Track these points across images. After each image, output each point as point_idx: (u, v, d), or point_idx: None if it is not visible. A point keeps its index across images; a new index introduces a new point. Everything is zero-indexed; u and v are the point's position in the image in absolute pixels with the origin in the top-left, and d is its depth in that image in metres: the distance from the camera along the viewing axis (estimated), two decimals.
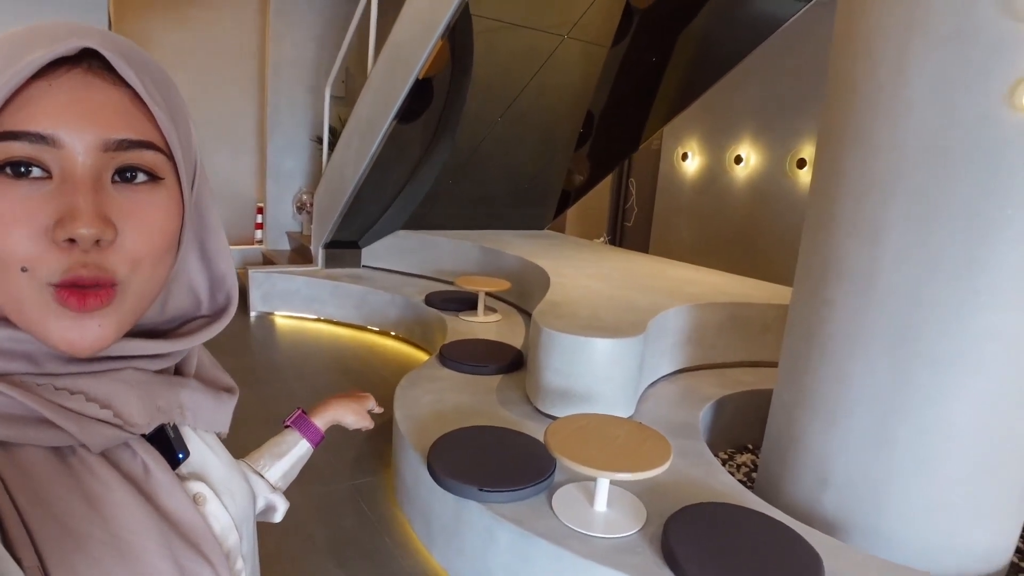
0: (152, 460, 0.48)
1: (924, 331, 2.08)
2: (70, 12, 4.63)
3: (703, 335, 3.55)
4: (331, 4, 6.43)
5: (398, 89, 4.30)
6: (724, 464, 3.15)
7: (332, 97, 5.89)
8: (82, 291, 0.40)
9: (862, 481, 2.28)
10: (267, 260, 6.41)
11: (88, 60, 0.41)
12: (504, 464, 2.27)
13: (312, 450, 0.92)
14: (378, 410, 1.07)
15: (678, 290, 3.78)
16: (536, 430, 2.60)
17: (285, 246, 6.85)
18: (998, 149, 1.86)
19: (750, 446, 3.35)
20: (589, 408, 2.72)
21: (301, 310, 5.40)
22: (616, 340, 2.74)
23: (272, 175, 6.70)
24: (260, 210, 6.91)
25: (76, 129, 0.40)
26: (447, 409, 2.88)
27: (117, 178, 0.42)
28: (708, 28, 4.93)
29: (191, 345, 0.51)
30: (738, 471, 3.11)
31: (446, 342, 3.72)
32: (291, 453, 0.89)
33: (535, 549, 1.98)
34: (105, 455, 0.46)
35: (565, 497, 2.17)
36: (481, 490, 2.10)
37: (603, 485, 2.10)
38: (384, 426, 3.42)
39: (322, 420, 0.94)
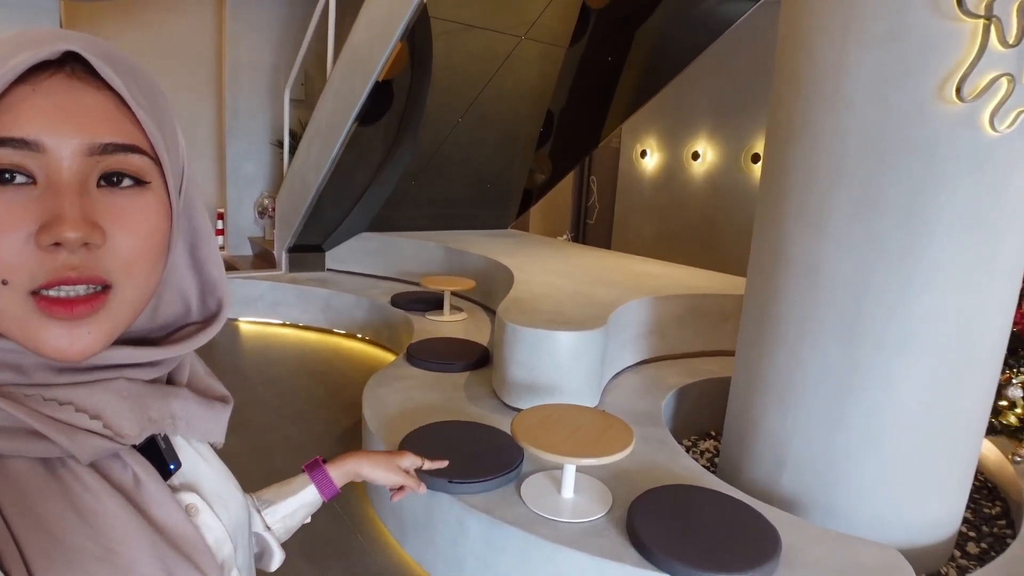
0: (143, 471, 0.47)
1: (870, 315, 2.19)
2: (19, 15, 4.53)
3: (664, 326, 3.65)
4: (288, 6, 6.39)
5: (357, 92, 4.31)
6: (688, 451, 3.24)
7: (292, 100, 5.87)
8: (70, 300, 0.40)
9: (817, 460, 2.39)
10: (229, 266, 6.34)
11: (71, 64, 0.41)
12: (473, 456, 2.32)
13: (322, 502, 0.85)
14: (434, 465, 0.98)
15: (639, 284, 3.87)
16: (503, 423, 2.65)
17: (248, 251, 6.79)
18: (931, 141, 1.98)
19: (713, 433, 3.45)
20: (554, 400, 2.78)
21: (266, 315, 5.37)
22: (578, 333, 2.81)
23: (232, 180, 6.63)
24: (221, 216, 6.83)
25: (60, 134, 0.39)
26: (415, 407, 2.91)
27: (103, 183, 0.42)
28: (662, 27, 5.04)
29: (182, 352, 0.50)
30: (702, 457, 3.21)
31: (413, 341, 3.75)
32: (296, 496, 0.82)
33: (505, 536, 2.03)
34: (95, 466, 0.45)
35: (533, 486, 2.23)
36: (451, 482, 2.15)
37: (569, 472, 2.16)
38: (354, 427, 3.44)
39: (339, 472, 0.86)
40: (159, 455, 0.50)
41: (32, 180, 0.39)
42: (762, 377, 2.55)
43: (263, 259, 6.25)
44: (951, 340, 2.14)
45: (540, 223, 8.27)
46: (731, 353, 3.58)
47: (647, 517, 1.98)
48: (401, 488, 0.93)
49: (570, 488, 2.17)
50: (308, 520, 0.85)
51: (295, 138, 5.72)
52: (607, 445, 2.08)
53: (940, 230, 2.02)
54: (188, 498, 0.52)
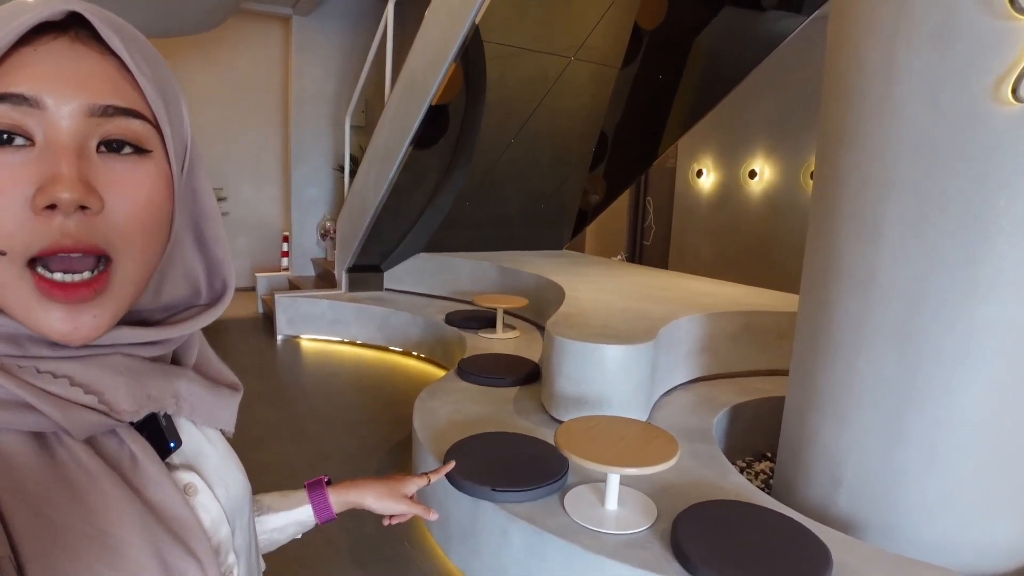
0: (140, 449, 0.46)
1: (928, 326, 2.10)
2: None
3: (718, 344, 3.58)
4: (350, 38, 6.69)
5: (413, 116, 4.46)
6: (742, 472, 3.15)
7: (352, 127, 6.11)
8: (72, 285, 0.39)
9: (875, 479, 2.29)
10: (293, 286, 6.59)
11: (76, 29, 0.41)
12: (518, 466, 2.33)
13: (315, 524, 0.81)
14: (439, 474, 0.97)
15: (692, 301, 3.82)
16: (550, 436, 2.65)
17: (310, 272, 7.04)
18: (986, 143, 1.91)
19: (768, 454, 3.34)
20: (602, 414, 2.77)
21: (326, 333, 5.55)
22: (626, 347, 2.80)
23: (296, 204, 6.92)
24: (286, 238, 7.12)
25: (61, 93, 0.39)
26: (464, 419, 2.95)
27: (103, 148, 0.41)
28: (714, 44, 5.03)
29: (184, 332, 0.49)
30: (756, 478, 3.12)
31: (464, 357, 3.80)
32: (290, 512, 0.79)
33: (547, 546, 2.03)
34: (91, 443, 0.44)
35: (577, 497, 2.22)
36: (495, 490, 2.16)
37: (613, 483, 2.14)
38: (405, 440, 3.50)
39: (340, 499, 0.83)
40: (159, 433, 0.49)
41: (30, 142, 0.39)
42: (816, 392, 2.47)
43: (324, 279, 6.47)
44: (1016, 349, 2.04)
45: (596, 245, 8.26)
46: (787, 372, 3.47)
47: (692, 531, 1.94)
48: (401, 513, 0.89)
49: (614, 500, 2.15)
50: (298, 537, 0.82)
51: (355, 163, 5.94)
52: (651, 456, 2.06)
53: (1000, 236, 1.94)
54: (187, 477, 0.51)
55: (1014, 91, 1.83)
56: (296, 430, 3.62)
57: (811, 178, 5.60)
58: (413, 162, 4.81)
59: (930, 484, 2.19)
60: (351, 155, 6.15)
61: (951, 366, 2.09)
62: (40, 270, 0.39)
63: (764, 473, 3.16)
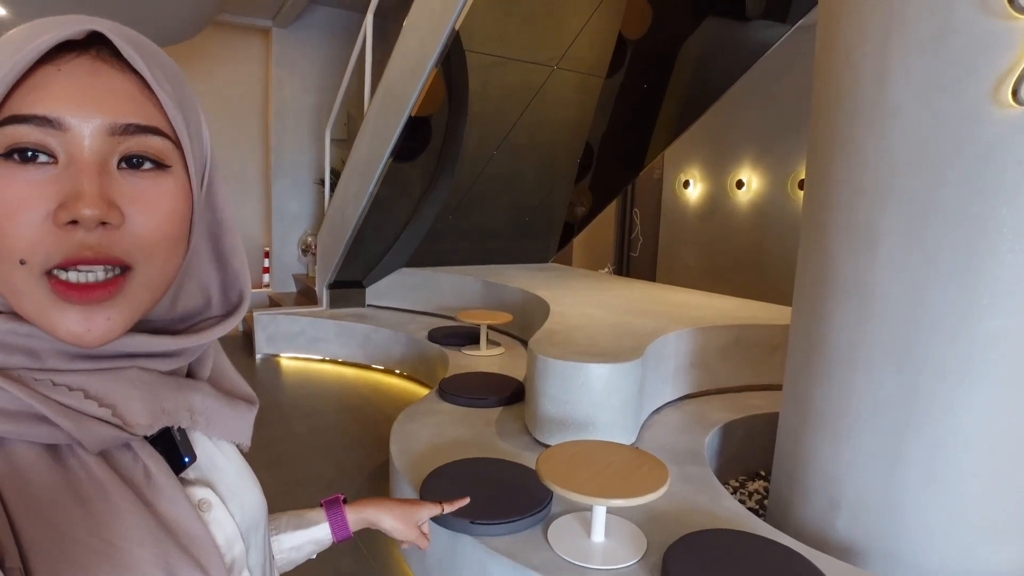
0: (154, 464, 0.45)
1: (928, 340, 2.00)
2: None
3: (708, 359, 3.47)
4: (331, 50, 6.59)
5: (392, 127, 4.35)
6: (735, 492, 3.04)
7: (333, 140, 5.99)
8: (85, 286, 0.39)
9: (875, 501, 2.17)
10: (274, 303, 6.44)
11: (97, 47, 0.41)
12: (498, 496, 2.19)
13: (332, 542, 0.81)
14: (454, 507, 0.96)
15: (681, 314, 3.71)
16: (534, 460, 2.52)
17: (292, 288, 6.89)
18: (986, 148, 1.81)
19: (762, 473, 3.23)
20: (588, 436, 2.64)
21: (306, 351, 5.39)
22: (612, 365, 2.67)
23: (278, 218, 6.78)
24: (267, 254, 6.98)
25: (82, 113, 0.39)
26: (445, 443, 2.81)
27: (124, 165, 0.41)
28: (699, 54, 4.96)
29: (200, 343, 0.49)
30: (750, 499, 2.99)
31: (445, 376, 3.66)
32: (307, 531, 0.79)
33: None
34: (105, 457, 0.43)
35: (561, 528, 2.09)
36: (473, 523, 2.02)
37: (599, 514, 2.01)
38: (386, 463, 3.35)
39: (357, 517, 0.83)
40: (173, 447, 0.48)
41: (54, 159, 0.39)
42: (812, 410, 2.36)
43: (306, 296, 6.32)
44: (1021, 364, 1.93)
45: (583, 257, 8.16)
46: (780, 387, 3.37)
47: (684, 565, 1.82)
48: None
49: (601, 532, 2.02)
50: (314, 556, 0.81)
51: (336, 176, 5.82)
52: (639, 484, 1.93)
53: (1003, 245, 1.83)
54: (201, 493, 0.50)
55: (1014, 93, 1.73)
56: (272, 455, 3.46)
57: (799, 187, 5.53)
58: (394, 175, 4.69)
59: (932, 507, 2.08)
60: (332, 169, 6.03)
61: (952, 383, 1.98)
62: (55, 272, 0.39)
63: (758, 493, 3.04)
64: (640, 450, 2.19)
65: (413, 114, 4.25)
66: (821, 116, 2.29)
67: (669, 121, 5.46)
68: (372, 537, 2.66)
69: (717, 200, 6.34)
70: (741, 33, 4.78)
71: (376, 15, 4.86)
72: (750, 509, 2.84)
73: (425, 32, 4.04)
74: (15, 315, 0.42)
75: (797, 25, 4.59)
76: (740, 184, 6.05)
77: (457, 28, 3.78)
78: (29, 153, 0.39)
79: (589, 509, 2.10)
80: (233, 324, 0.51)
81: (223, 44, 6.58)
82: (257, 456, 3.64)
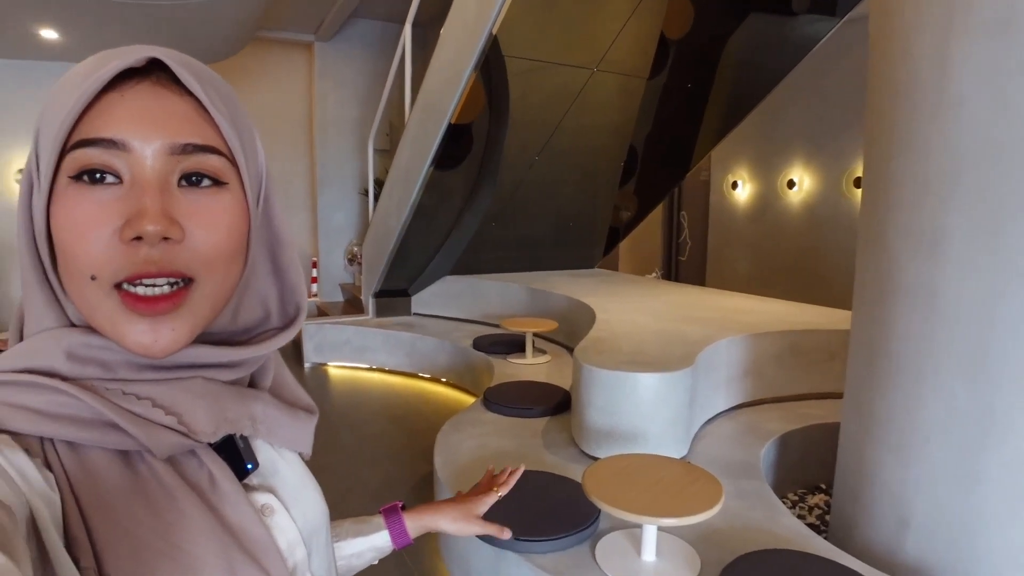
0: (218, 470, 0.47)
1: (1004, 349, 1.85)
2: None
3: (762, 367, 3.33)
4: (372, 62, 6.66)
5: (432, 136, 4.34)
6: (794, 507, 2.90)
7: (376, 150, 6.04)
8: (151, 298, 0.42)
9: (948, 521, 2.03)
10: (321, 312, 6.52)
11: (156, 73, 0.44)
12: (544, 511, 2.13)
13: (392, 549, 0.82)
14: (506, 488, 0.94)
15: (732, 320, 3.58)
16: (580, 474, 2.45)
17: (339, 298, 6.97)
18: None
19: (823, 486, 3.07)
20: (637, 448, 2.56)
21: (353, 360, 5.43)
22: (662, 374, 2.58)
23: (324, 230, 6.88)
24: (314, 264, 7.08)
25: (144, 135, 0.42)
26: (489, 454, 2.76)
27: (184, 183, 0.44)
28: (744, 52, 4.82)
29: (260, 353, 0.51)
30: (810, 514, 2.85)
31: (491, 385, 3.62)
32: (367, 538, 0.80)
33: None
34: (172, 463, 0.46)
35: (610, 546, 2.01)
36: (517, 539, 1.97)
37: (650, 532, 1.93)
38: (430, 474, 3.32)
39: (416, 524, 0.84)
40: (236, 454, 0.50)
41: (119, 180, 0.42)
42: (876, 422, 2.22)
43: (353, 305, 6.39)
44: None
45: (630, 262, 8.03)
46: (839, 395, 3.20)
47: None
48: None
49: (651, 551, 1.93)
50: (375, 563, 0.82)
51: (380, 186, 5.87)
52: (691, 502, 1.84)
53: None
54: (263, 498, 0.52)
55: None
56: (318, 465, 3.43)
57: (855, 185, 5.31)
58: (435, 183, 4.69)
59: (1014, 528, 1.92)
60: (376, 179, 6.08)
61: None
62: (124, 287, 0.42)
63: (819, 508, 2.89)
64: (692, 464, 2.10)
65: (453, 121, 4.23)
66: (877, 110, 2.17)
67: (715, 121, 5.32)
68: (418, 551, 2.63)
69: (767, 201, 6.14)
70: (787, 28, 4.62)
71: (415, 25, 4.88)
72: (810, 525, 2.71)
73: (461, 39, 4.03)
74: (89, 329, 0.45)
75: (846, 17, 4.40)
76: (791, 184, 5.84)
77: (494, 32, 3.75)
78: (97, 175, 0.42)
79: (639, 525, 2.02)
80: (291, 336, 0.53)
81: (267, 60, 6.72)
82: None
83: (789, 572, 1.80)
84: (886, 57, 2.10)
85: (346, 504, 3.04)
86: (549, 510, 2.14)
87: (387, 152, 6.65)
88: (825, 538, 2.46)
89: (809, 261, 5.72)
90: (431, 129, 4.37)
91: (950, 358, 1.96)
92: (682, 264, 7.36)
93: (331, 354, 5.48)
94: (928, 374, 2.02)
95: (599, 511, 2.11)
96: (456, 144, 4.55)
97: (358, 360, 5.42)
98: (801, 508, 2.90)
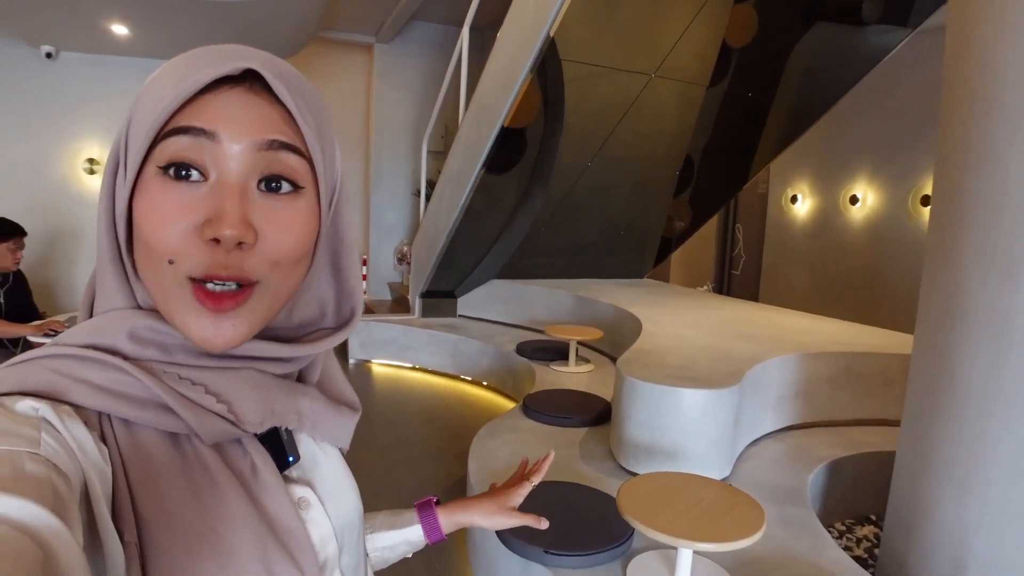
0: (261, 460, 0.49)
1: None
2: None
3: (814, 388, 3.19)
4: (430, 64, 6.71)
5: (485, 139, 4.34)
6: (841, 536, 2.76)
7: (430, 152, 6.08)
8: (218, 295, 0.43)
9: (1010, 567, 1.88)
10: (369, 309, 6.60)
11: (250, 80, 0.45)
12: (577, 525, 2.08)
13: (425, 544, 0.83)
14: (541, 473, 0.94)
15: (785, 339, 3.45)
16: (616, 489, 2.38)
17: (387, 296, 7.04)
18: None
19: (873, 517, 2.92)
20: (677, 466, 2.47)
21: (398, 358, 5.47)
22: (707, 391, 2.49)
23: (375, 228, 6.96)
24: (365, 262, 7.18)
25: (233, 129, 0.44)
26: (522, 461, 2.71)
27: (263, 187, 0.46)
28: (809, 62, 4.65)
29: (312, 352, 0.52)
30: (857, 546, 2.71)
31: (531, 392, 3.58)
32: (400, 531, 0.81)
33: None
34: (217, 449, 0.47)
35: (643, 566, 1.94)
36: (547, 552, 1.92)
37: (685, 556, 1.85)
38: (463, 479, 3.30)
39: (450, 520, 0.85)
40: (280, 446, 0.51)
41: (203, 177, 0.44)
42: (936, 456, 2.09)
43: (400, 304, 6.44)
44: None
45: (681, 274, 7.87)
46: (896, 423, 3.04)
47: None
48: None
49: (686, 575, 1.86)
50: (409, 556, 0.83)
51: (432, 187, 5.91)
52: (730, 528, 1.76)
53: None
54: (301, 491, 0.53)
55: None
56: (352, 461, 3.44)
57: (922, 204, 5.06)
58: (486, 186, 4.68)
59: None
60: (428, 180, 6.12)
61: None
62: (196, 283, 0.44)
63: (868, 540, 2.75)
64: (733, 487, 2.01)
65: (506, 124, 4.21)
66: (951, 124, 2.04)
67: (775, 132, 5.16)
68: (446, 555, 2.61)
69: (828, 216, 5.91)
70: (855, 38, 4.44)
71: (474, 29, 4.89)
72: (857, 558, 2.57)
73: (518, 41, 4.01)
74: (153, 312, 0.47)
75: (918, 29, 4.20)
76: (854, 199, 5.61)
77: (552, 34, 3.71)
78: (183, 172, 0.43)
79: (674, 547, 1.94)
80: (344, 337, 0.55)
81: (329, 59, 6.86)
82: None
83: None
84: (963, 68, 1.98)
85: (377, 504, 3.03)
86: (582, 524, 2.08)
87: (440, 154, 6.69)
88: (872, 573, 2.33)
89: (869, 281, 5.48)
90: (484, 131, 4.36)
91: (1021, 394, 1.82)
92: (735, 278, 7.17)
93: (376, 351, 5.53)
94: (996, 409, 1.89)
95: (633, 529, 2.04)
96: (508, 147, 4.53)
97: (402, 359, 5.45)
98: (848, 539, 2.76)
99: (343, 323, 0.56)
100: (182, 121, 0.43)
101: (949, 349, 2.03)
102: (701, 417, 2.50)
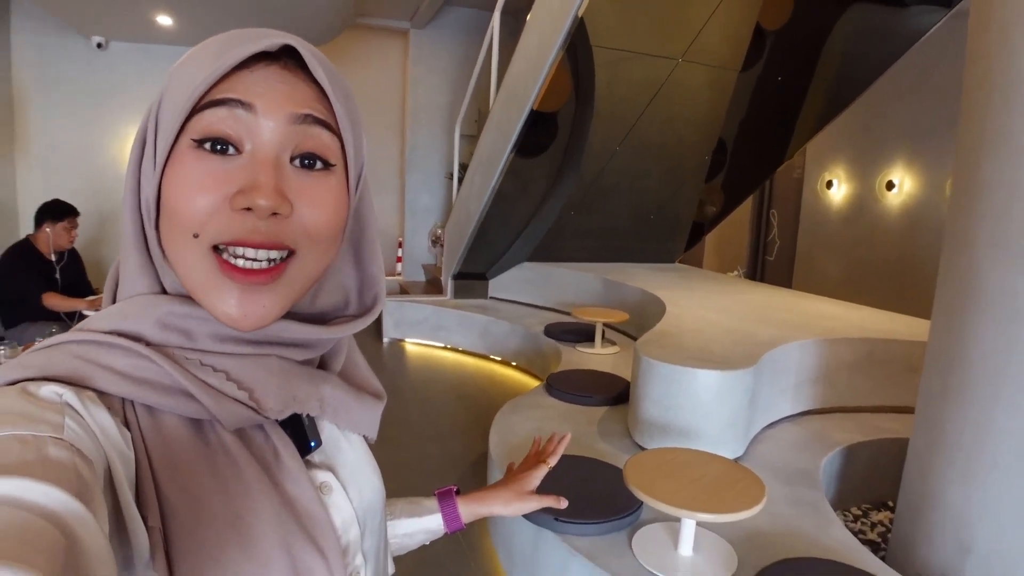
0: (283, 446, 0.49)
1: None
2: None
3: (834, 374, 3.20)
4: (464, 49, 6.78)
5: (514, 121, 4.40)
6: (856, 521, 2.79)
7: (463, 136, 6.17)
8: (250, 270, 0.44)
9: (1012, 551, 1.90)
10: (403, 290, 6.75)
11: (285, 58, 0.46)
12: (588, 496, 2.16)
13: (445, 533, 0.84)
14: (557, 454, 0.94)
15: (809, 324, 3.46)
16: None
17: (421, 277, 7.19)
18: None
19: (890, 503, 2.93)
20: (690, 445, 2.53)
21: (430, 338, 5.61)
22: (721, 372, 2.54)
23: (410, 211, 7.10)
24: (400, 244, 7.33)
25: (269, 101, 0.44)
26: (542, 437, 2.81)
27: (296, 163, 0.46)
28: (844, 43, 4.57)
29: (335, 336, 0.52)
30: (872, 530, 2.74)
31: (554, 371, 3.66)
32: (420, 520, 0.82)
33: None
34: (239, 435, 0.47)
35: (648, 536, 2.02)
36: (558, 520, 2.01)
37: (688, 526, 1.92)
38: (488, 453, 3.41)
39: (470, 509, 0.86)
40: (301, 431, 0.52)
41: (238, 151, 0.44)
42: (944, 441, 2.11)
43: (433, 285, 6.57)
44: None
45: (714, 258, 7.83)
46: None
47: None
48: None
49: (688, 545, 1.93)
50: (426, 543, 0.84)
51: (465, 170, 6.00)
52: (731, 501, 1.82)
53: None
54: (322, 476, 0.53)
55: None
56: (384, 437, 3.60)
57: None
58: (516, 169, 4.75)
59: None
60: (461, 163, 6.21)
61: None
62: (224, 253, 0.44)
63: (882, 525, 2.77)
64: (738, 464, 2.07)
65: (535, 107, 4.27)
66: (971, 107, 2.04)
67: (810, 115, 5.09)
68: (469, 527, 2.72)
69: (863, 202, 5.81)
70: (894, 18, 4.34)
71: (507, 13, 4.94)
72: (869, 541, 2.61)
73: (547, 24, 4.05)
74: (177, 297, 0.47)
75: (956, 8, 4.09)
76: (890, 185, 5.51)
77: (580, 15, 3.74)
78: (219, 146, 0.44)
79: (679, 519, 2.01)
80: (366, 324, 0.55)
81: (365, 45, 6.99)
82: None
83: None
84: (982, 51, 1.98)
85: (405, 477, 3.18)
86: (593, 496, 2.17)
87: (474, 138, 6.77)
88: (883, 556, 2.36)
89: (906, 268, 5.39)
90: (513, 115, 4.43)
91: None
92: (769, 264, 7.10)
93: (409, 331, 5.68)
94: (1003, 395, 1.90)
95: (642, 502, 2.12)
96: (538, 131, 4.58)
97: (434, 339, 5.59)
98: (863, 523, 2.78)
99: (365, 310, 0.56)
100: (218, 94, 0.44)
101: (962, 334, 2.04)
102: (715, 398, 2.56)
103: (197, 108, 0.44)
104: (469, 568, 2.44)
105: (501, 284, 5.85)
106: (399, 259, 7.33)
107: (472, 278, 5.82)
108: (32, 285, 3.55)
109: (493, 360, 5.25)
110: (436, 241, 7.04)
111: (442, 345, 5.56)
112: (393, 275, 7.31)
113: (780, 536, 2.07)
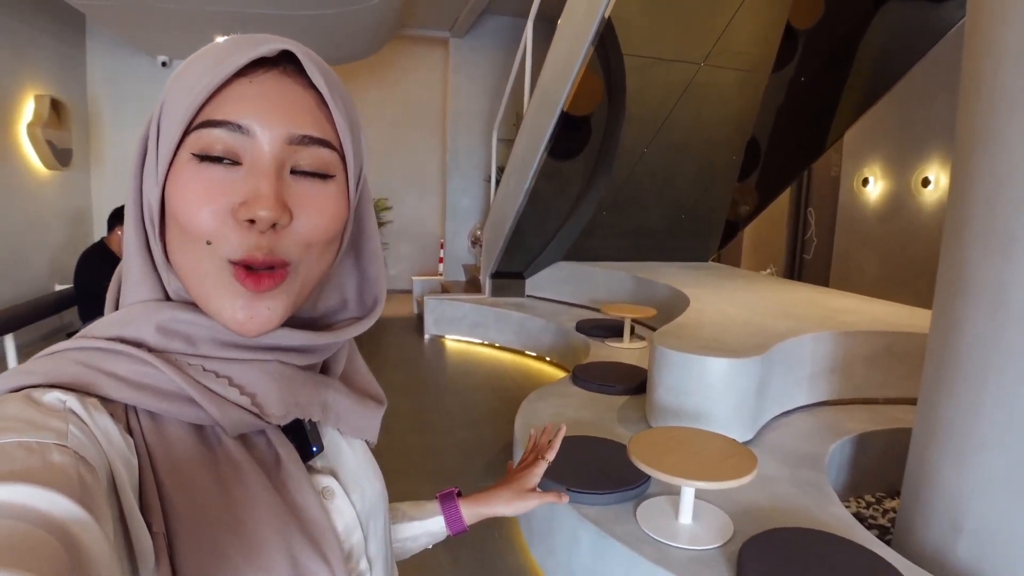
0: (285, 451, 0.50)
1: None
2: None
3: (850, 366, 3.30)
4: (501, 56, 7.02)
5: (546, 124, 4.59)
6: (868, 507, 2.89)
7: (500, 140, 6.40)
8: (257, 274, 0.44)
9: (1001, 530, 2.00)
10: (444, 289, 7.03)
11: (284, 64, 0.46)
12: (600, 470, 2.35)
13: (447, 535, 0.83)
14: (553, 450, 0.92)
15: (829, 318, 3.55)
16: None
17: (461, 277, 7.45)
18: None
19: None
20: (700, 428, 2.69)
21: (468, 334, 5.86)
22: (730, 360, 2.69)
23: (451, 213, 7.38)
24: (442, 245, 7.61)
25: (267, 122, 0.44)
26: (565, 422, 2.95)
27: (297, 172, 0.46)
28: (876, 39, 4.61)
29: (338, 340, 0.53)
30: (882, 516, 2.83)
31: (581, 363, 3.85)
32: (422, 523, 0.82)
33: (611, 552, 2.03)
34: (242, 440, 0.48)
35: (651, 507, 2.20)
36: (568, 490, 2.20)
37: (687, 496, 2.09)
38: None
39: (472, 511, 0.85)
40: (303, 436, 0.52)
41: (238, 163, 0.44)
42: (940, 426, 2.22)
43: (472, 284, 6.82)
44: None
45: (752, 257, 7.85)
46: None
47: (760, 556, 1.85)
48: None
49: (688, 513, 2.10)
50: (429, 547, 0.84)
51: (502, 173, 6.23)
52: (725, 471, 1.98)
53: None
54: (324, 481, 0.54)
55: None
56: (421, 422, 3.90)
57: None
58: (549, 171, 4.94)
59: None
60: (499, 166, 6.44)
61: None
62: (235, 263, 0.45)
63: (893, 512, 2.86)
64: (736, 442, 2.22)
65: (565, 110, 4.45)
66: (965, 105, 2.14)
67: (842, 112, 5.13)
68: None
69: (900, 200, 5.80)
70: (927, 12, 4.37)
71: (543, 20, 5.15)
72: (879, 526, 2.71)
73: (575, 28, 4.23)
74: (180, 304, 0.47)
75: None
76: (926, 182, 5.48)
77: (607, 16, 3.90)
78: (221, 158, 0.44)
79: (680, 491, 2.18)
80: (366, 327, 0.55)
81: (408, 55, 7.31)
82: (409, 421, 4.09)
83: (814, 550, 1.90)
84: (973, 50, 2.08)
85: (441, 459, 3.41)
86: (604, 470, 2.35)
87: (511, 141, 7.01)
88: (889, 540, 2.47)
89: None
90: (545, 118, 4.63)
91: (1014, 364, 1.94)
92: (806, 263, 7.10)
93: (449, 328, 5.94)
94: (991, 378, 2.01)
95: (648, 477, 2.29)
96: (569, 133, 4.77)
97: (472, 335, 5.84)
98: (875, 510, 2.88)
99: (366, 312, 0.56)
100: (216, 113, 0.43)
101: (954, 323, 2.15)
102: (723, 385, 2.70)
103: (196, 125, 0.44)
104: (492, 534, 2.65)
105: (537, 283, 6.06)
106: (440, 259, 7.61)
107: (509, 277, 6.04)
108: (106, 282, 3.89)
109: (528, 355, 5.45)
110: (475, 242, 7.29)
111: (480, 341, 5.80)
112: (435, 275, 7.59)
113: (777, 511, 2.22)
